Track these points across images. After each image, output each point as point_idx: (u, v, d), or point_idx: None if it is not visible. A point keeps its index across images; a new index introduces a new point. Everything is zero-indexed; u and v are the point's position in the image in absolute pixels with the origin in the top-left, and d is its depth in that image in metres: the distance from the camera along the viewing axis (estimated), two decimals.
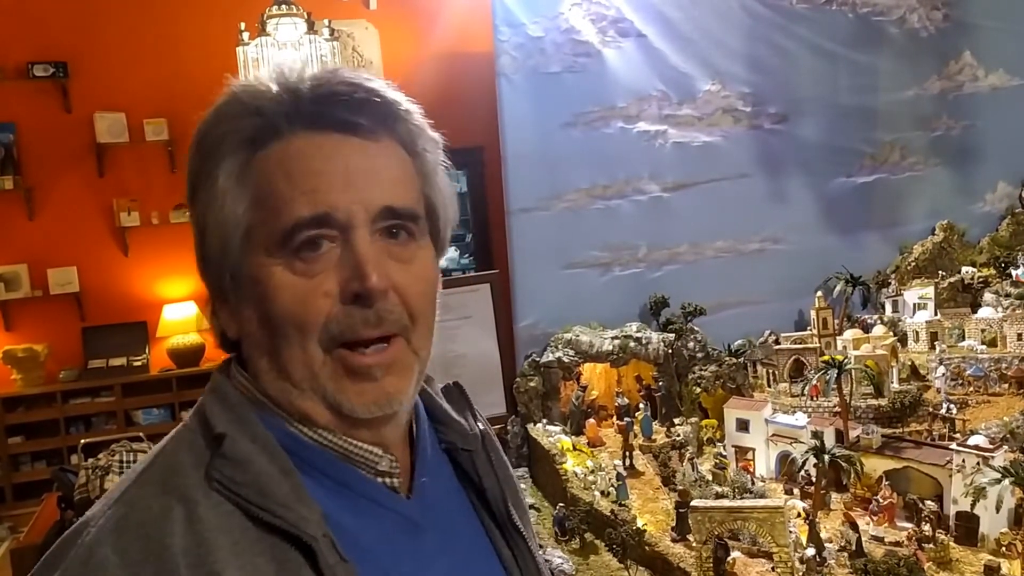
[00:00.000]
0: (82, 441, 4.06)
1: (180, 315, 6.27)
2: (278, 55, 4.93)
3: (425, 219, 0.97)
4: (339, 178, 0.88)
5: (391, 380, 0.91)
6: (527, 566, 1.05)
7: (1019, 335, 4.12)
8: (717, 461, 3.58)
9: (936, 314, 4.60)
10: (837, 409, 3.61)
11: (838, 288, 4.74)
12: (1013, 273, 4.86)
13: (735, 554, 2.78)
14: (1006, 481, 2.77)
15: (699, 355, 4.35)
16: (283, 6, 4.93)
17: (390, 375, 0.91)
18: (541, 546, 3.02)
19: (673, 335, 4.34)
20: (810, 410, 3.75)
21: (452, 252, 9.94)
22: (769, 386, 4.16)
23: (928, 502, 3.04)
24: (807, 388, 3.79)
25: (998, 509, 2.84)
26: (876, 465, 3.31)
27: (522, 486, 3.80)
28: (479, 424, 1.10)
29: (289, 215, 0.87)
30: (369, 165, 0.90)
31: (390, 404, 0.92)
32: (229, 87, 0.93)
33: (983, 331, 4.31)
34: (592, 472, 3.57)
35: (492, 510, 1.06)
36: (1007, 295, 4.63)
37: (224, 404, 0.91)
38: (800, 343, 4.25)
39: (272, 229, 0.87)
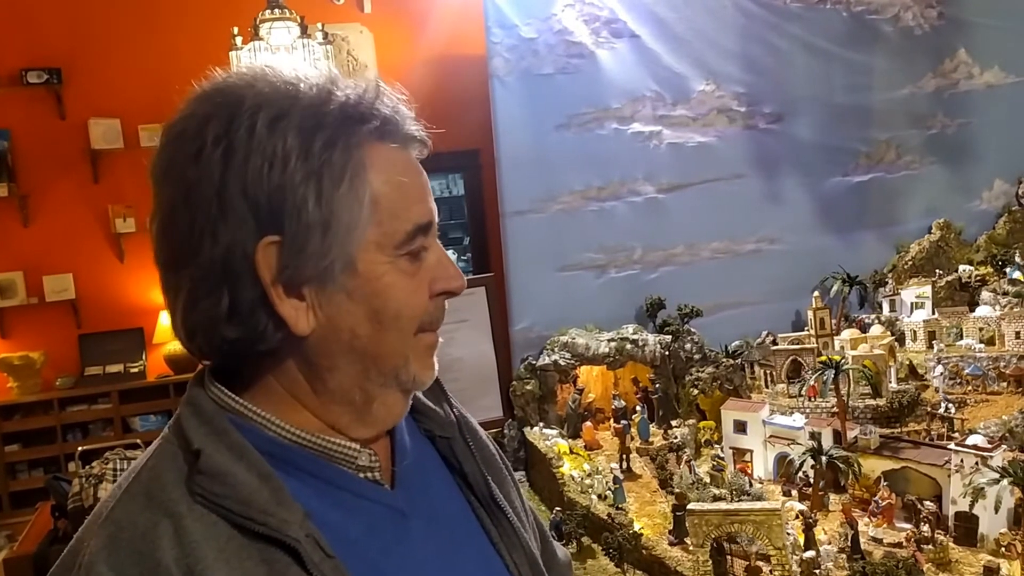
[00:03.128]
0: (79, 448, 4.05)
1: None
2: (271, 59, 4.91)
3: None
4: (426, 191, 1.00)
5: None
6: (511, 541, 1.10)
7: (1017, 333, 4.10)
8: (715, 463, 3.56)
9: (934, 313, 4.59)
10: (835, 410, 3.59)
11: (835, 288, 4.73)
12: (1008, 270, 4.84)
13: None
14: (1004, 481, 2.75)
15: (696, 357, 4.34)
16: (275, 10, 4.92)
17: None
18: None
19: (670, 337, 4.33)
20: (808, 411, 3.73)
21: (450, 255, 9.97)
22: (767, 387, 4.14)
23: (927, 502, 3.02)
24: (804, 389, 3.77)
25: (997, 509, 2.82)
26: (874, 466, 3.29)
27: None
28: (454, 411, 1.17)
29: (408, 220, 0.95)
30: (428, 182, 1.02)
31: (434, 377, 1.04)
32: (314, 78, 0.94)
33: (981, 329, 4.30)
34: (589, 476, 3.56)
35: (476, 492, 1.12)
36: (1005, 293, 4.62)
37: (200, 417, 0.93)
38: (797, 344, 4.23)
39: (390, 230, 0.93)
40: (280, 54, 4.90)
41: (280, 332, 0.92)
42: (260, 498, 0.87)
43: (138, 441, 4.11)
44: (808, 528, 2.86)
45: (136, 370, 6.25)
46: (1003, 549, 2.85)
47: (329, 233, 0.90)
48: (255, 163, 0.88)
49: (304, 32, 4.92)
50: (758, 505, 2.77)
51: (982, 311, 4.41)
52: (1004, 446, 3.19)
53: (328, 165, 0.90)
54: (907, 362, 4.28)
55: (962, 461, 3.02)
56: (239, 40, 4.83)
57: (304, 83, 0.93)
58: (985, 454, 2.98)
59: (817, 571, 2.73)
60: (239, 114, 0.89)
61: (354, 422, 0.99)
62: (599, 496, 3.42)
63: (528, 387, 4.14)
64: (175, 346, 6.22)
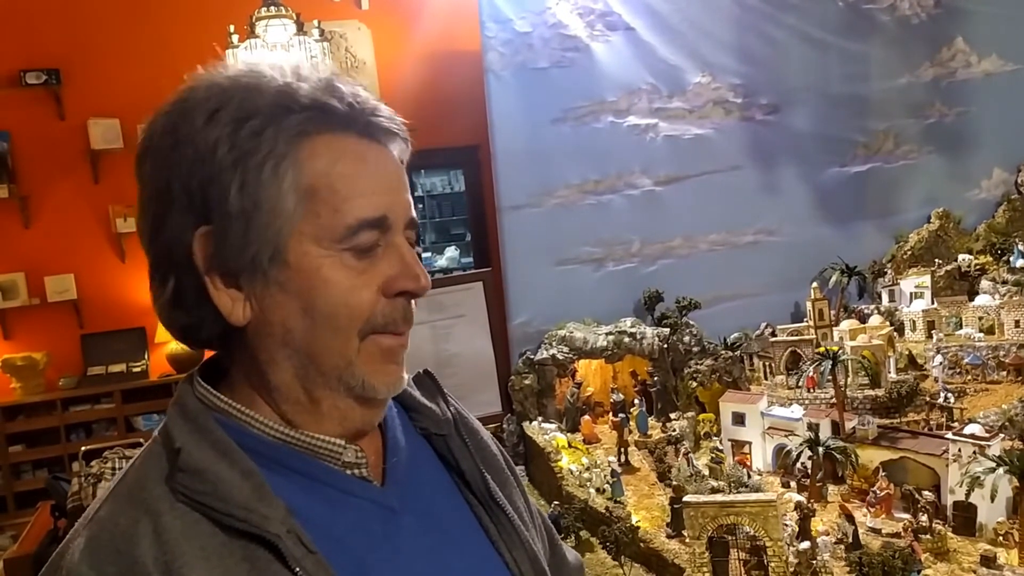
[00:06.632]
0: (83, 448, 4.04)
1: None
2: (269, 57, 4.91)
3: None
4: (387, 184, 0.95)
5: (403, 365, 0.99)
6: (511, 539, 1.08)
7: (1016, 322, 4.09)
8: (714, 455, 3.57)
9: (933, 303, 4.58)
10: (833, 400, 3.59)
11: (834, 279, 4.72)
12: (1011, 258, 4.82)
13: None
14: (1001, 470, 2.75)
15: (695, 349, 4.33)
16: (272, 8, 4.92)
17: (403, 361, 0.99)
18: None
19: (668, 330, 4.33)
20: (806, 402, 3.73)
21: (453, 251, 9.90)
22: (766, 379, 4.14)
23: (925, 492, 3.02)
24: (802, 380, 3.77)
25: (993, 498, 2.81)
26: (872, 456, 3.29)
27: None
28: (451, 408, 1.14)
29: (351, 214, 0.91)
30: (400, 175, 0.98)
31: (400, 386, 1.00)
32: (268, 71, 0.93)
33: (980, 319, 4.29)
34: (587, 469, 3.56)
35: (474, 489, 1.09)
36: (1004, 282, 4.60)
37: (185, 416, 0.94)
38: (796, 335, 4.23)
39: (329, 223, 0.91)
40: (277, 52, 4.90)
41: (220, 322, 0.93)
42: (241, 494, 0.87)
43: (140, 440, 4.10)
44: (804, 519, 2.86)
45: (139, 369, 6.26)
46: (1001, 538, 2.85)
47: (252, 222, 0.89)
48: (190, 153, 0.89)
49: (300, 29, 4.92)
50: (753, 496, 2.77)
51: (981, 300, 4.40)
52: (1003, 435, 3.19)
53: (252, 153, 0.89)
54: (906, 352, 4.27)
55: (960, 450, 3.02)
56: (236, 38, 4.83)
57: (258, 74, 0.93)
58: (983, 443, 2.97)
59: (814, 562, 2.73)
60: (189, 108, 0.91)
61: (310, 421, 0.97)
62: (597, 490, 3.42)
63: (526, 381, 4.14)
64: (177, 345, 6.20)
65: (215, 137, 0.89)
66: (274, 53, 4.89)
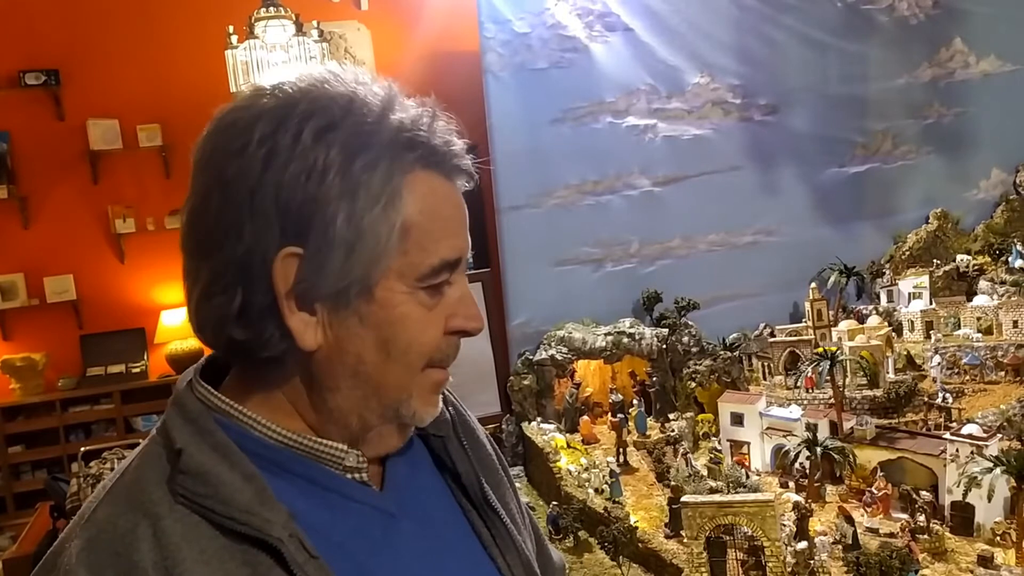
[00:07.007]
0: (82, 449, 4.04)
1: (178, 321, 6.26)
2: (268, 57, 4.91)
3: None
4: (462, 226, 0.97)
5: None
6: (505, 543, 1.08)
7: (1015, 322, 4.10)
8: (712, 455, 3.57)
9: (931, 303, 4.58)
10: (831, 401, 3.60)
11: (832, 279, 4.73)
12: (1009, 259, 4.83)
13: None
14: (997, 470, 2.76)
15: (693, 349, 4.34)
16: (271, 8, 4.92)
17: None
18: None
19: (667, 330, 4.33)
20: (805, 402, 3.74)
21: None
22: (765, 379, 4.14)
23: (923, 492, 3.02)
24: (801, 380, 3.78)
25: (990, 498, 2.82)
26: (871, 456, 3.30)
27: (517, 485, 3.79)
28: (450, 408, 1.13)
29: (436, 254, 0.92)
30: (467, 214, 0.98)
31: (436, 413, 1.01)
32: (364, 91, 0.92)
33: (979, 319, 4.30)
34: (586, 470, 3.56)
35: (469, 493, 1.09)
36: (1002, 282, 4.61)
37: (184, 417, 0.92)
38: (795, 335, 4.23)
39: (415, 261, 0.91)
40: (276, 52, 4.90)
41: (285, 343, 0.90)
42: (243, 498, 0.86)
43: (139, 441, 4.05)
44: (802, 519, 2.86)
45: (138, 370, 6.25)
46: (998, 538, 2.85)
47: (353, 255, 0.88)
48: (293, 170, 0.86)
49: (300, 30, 4.91)
50: (751, 497, 2.77)
51: (980, 300, 4.41)
52: (1000, 435, 3.19)
53: (365, 186, 0.88)
54: (905, 352, 4.28)
55: (957, 451, 3.03)
56: (234, 39, 4.83)
57: (360, 98, 0.91)
58: (980, 443, 2.98)
59: (812, 562, 2.73)
60: (289, 117, 0.88)
61: (348, 443, 0.97)
62: (596, 490, 3.42)
63: (525, 382, 4.14)
64: (177, 346, 6.24)
65: (326, 160, 0.87)
66: (272, 54, 4.89)
